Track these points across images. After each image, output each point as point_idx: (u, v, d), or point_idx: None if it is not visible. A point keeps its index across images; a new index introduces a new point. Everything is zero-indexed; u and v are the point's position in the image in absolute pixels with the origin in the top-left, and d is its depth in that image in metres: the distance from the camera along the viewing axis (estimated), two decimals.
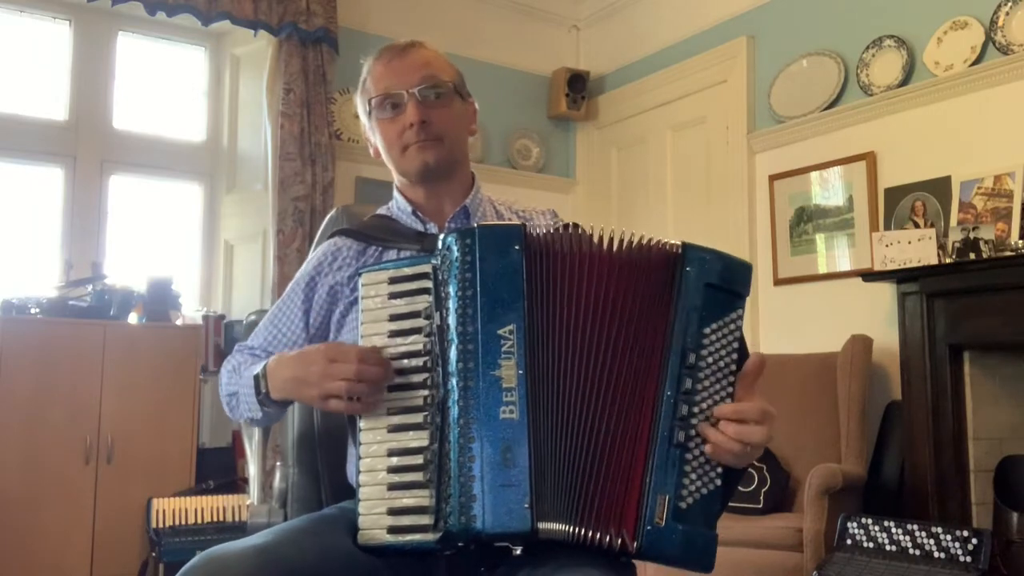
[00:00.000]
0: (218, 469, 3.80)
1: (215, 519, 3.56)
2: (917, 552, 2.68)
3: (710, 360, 1.12)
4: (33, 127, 4.04)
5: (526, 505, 1.06)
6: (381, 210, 1.54)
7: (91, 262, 3.93)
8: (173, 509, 3.52)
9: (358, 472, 1.17)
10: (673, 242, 1.15)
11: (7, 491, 3.31)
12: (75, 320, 3.59)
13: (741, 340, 1.14)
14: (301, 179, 4.08)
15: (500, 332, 1.10)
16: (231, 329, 4.09)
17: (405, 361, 1.17)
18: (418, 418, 1.15)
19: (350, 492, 1.43)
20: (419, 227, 1.45)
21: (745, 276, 1.15)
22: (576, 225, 1.45)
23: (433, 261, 1.17)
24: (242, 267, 4.40)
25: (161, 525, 3.47)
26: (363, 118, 1.51)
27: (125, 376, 3.58)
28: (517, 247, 1.12)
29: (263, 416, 1.38)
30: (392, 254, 1.43)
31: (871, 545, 2.76)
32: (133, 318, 3.75)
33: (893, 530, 2.75)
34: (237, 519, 3.56)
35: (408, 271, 1.20)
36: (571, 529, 1.08)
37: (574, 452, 1.10)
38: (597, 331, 1.12)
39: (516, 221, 1.49)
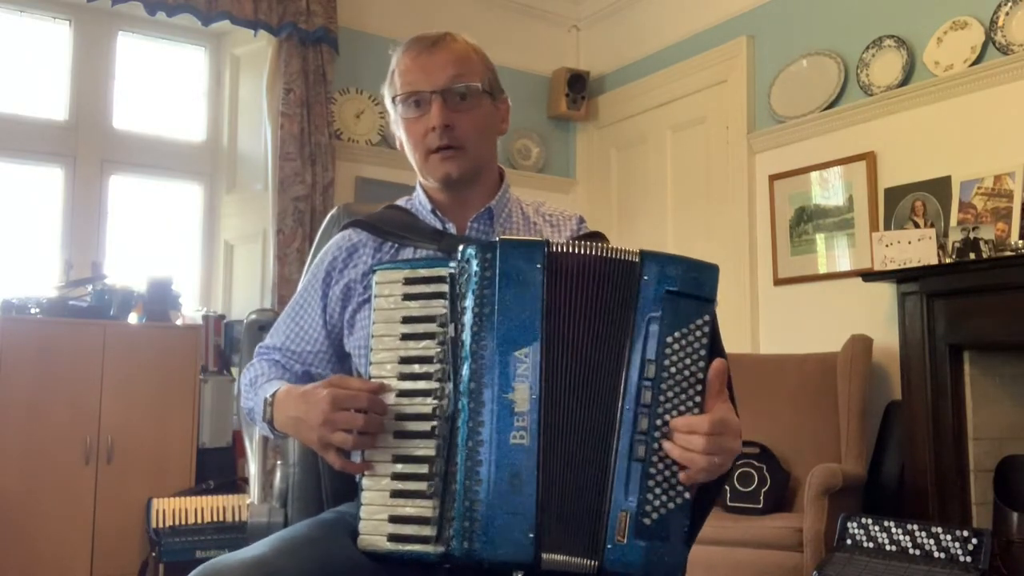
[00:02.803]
0: (218, 469, 3.80)
1: (215, 519, 3.55)
2: (917, 552, 2.68)
3: (672, 371, 1.08)
4: (33, 127, 4.04)
5: (531, 534, 1.05)
6: (400, 201, 1.49)
7: (91, 262, 3.93)
8: (173, 509, 3.52)
9: (361, 475, 1.15)
10: (631, 250, 1.12)
11: (7, 491, 3.31)
12: (75, 320, 3.59)
13: (711, 347, 1.10)
14: (301, 179, 4.08)
15: (516, 354, 1.07)
16: (231, 329, 4.09)
17: (416, 366, 1.14)
18: (426, 426, 1.12)
19: (351, 492, 1.42)
20: (438, 225, 1.41)
21: (710, 280, 1.11)
22: (600, 234, 1.43)
23: (451, 266, 1.14)
24: (242, 267, 4.40)
25: (161, 525, 3.47)
26: (389, 109, 1.46)
27: (125, 376, 3.58)
28: (539, 265, 1.09)
29: (275, 438, 1.36)
30: (408, 252, 1.39)
31: (871, 545, 2.76)
32: (133, 318, 3.75)
33: (893, 530, 2.75)
34: (237, 519, 3.56)
35: (424, 273, 1.17)
36: (574, 560, 1.07)
37: (577, 478, 1.08)
38: (592, 350, 1.10)
39: (542, 225, 1.46)
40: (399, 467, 1.12)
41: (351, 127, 4.38)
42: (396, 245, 1.40)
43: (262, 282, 4.21)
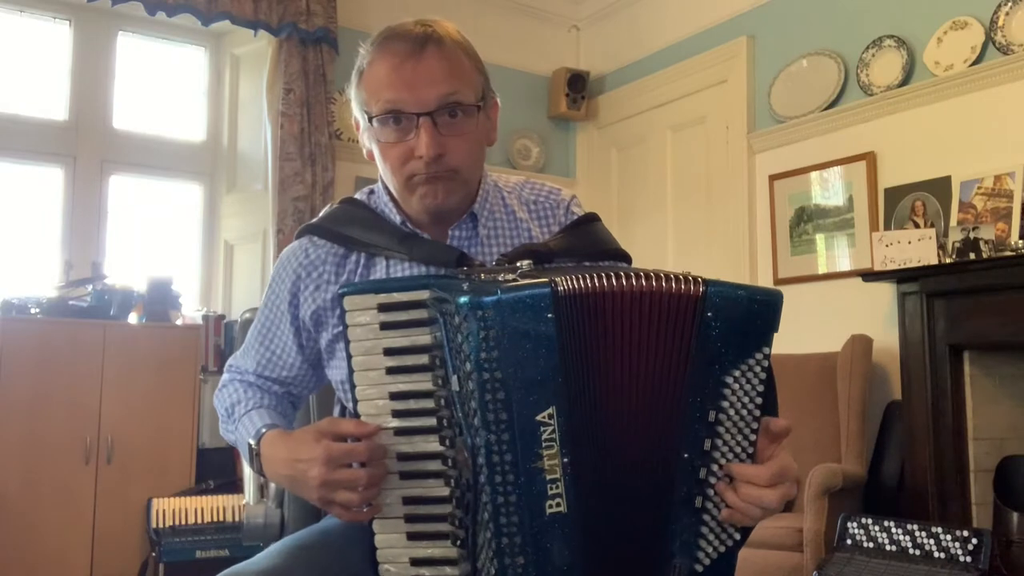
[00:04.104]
0: (218, 469, 3.80)
1: (215, 519, 3.55)
2: (917, 552, 2.68)
3: (731, 412, 1.00)
4: (33, 127, 4.04)
5: None
6: (360, 195, 1.33)
7: (91, 262, 3.93)
8: (173, 509, 3.52)
9: (371, 519, 1.07)
10: (693, 279, 0.99)
11: (7, 491, 3.31)
12: (75, 320, 3.59)
13: (767, 379, 1.01)
14: (301, 179, 4.08)
15: (538, 418, 0.95)
16: (231, 329, 4.10)
17: (411, 402, 1.04)
18: (434, 466, 1.04)
19: None
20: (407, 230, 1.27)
21: (774, 311, 0.99)
22: (592, 217, 1.34)
23: (431, 286, 1.02)
24: (242, 267, 4.40)
25: (161, 525, 3.47)
26: (356, 114, 1.26)
27: (125, 376, 3.58)
28: (549, 315, 0.95)
29: None
30: (380, 263, 1.25)
31: (871, 545, 2.76)
32: (133, 318, 3.75)
33: (893, 530, 2.75)
34: (237, 519, 3.56)
35: (400, 298, 1.04)
36: None
37: (625, 536, 1.02)
38: (629, 392, 0.99)
39: (528, 221, 1.32)
40: (411, 508, 1.05)
41: (351, 127, 4.36)
42: (362, 255, 1.25)
43: (262, 282, 4.20)
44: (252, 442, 1.18)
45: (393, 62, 1.17)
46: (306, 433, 1.08)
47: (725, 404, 0.99)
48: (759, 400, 1.00)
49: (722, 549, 1.04)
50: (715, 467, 1.01)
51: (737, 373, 0.99)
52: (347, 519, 1.07)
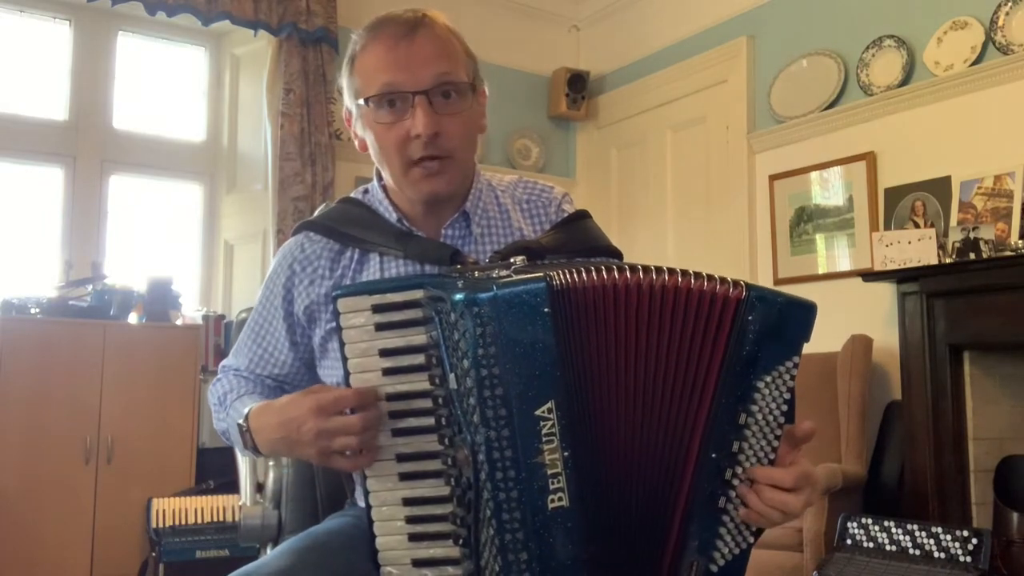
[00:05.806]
0: (218, 469, 3.79)
1: (215, 519, 3.55)
2: (917, 552, 2.68)
3: (759, 417, 1.00)
4: (33, 127, 4.04)
5: None
6: (356, 194, 1.34)
7: (91, 262, 3.93)
8: (173, 509, 3.52)
9: (371, 521, 1.06)
10: (733, 281, 0.99)
11: (7, 491, 3.31)
12: (75, 320, 3.59)
13: (792, 388, 1.02)
14: (301, 179, 4.08)
15: (538, 413, 0.95)
16: (231, 329, 4.10)
17: (410, 402, 1.04)
18: (434, 465, 1.04)
19: (346, 492, 1.42)
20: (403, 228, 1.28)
21: (809, 320, 1.01)
22: (586, 213, 1.35)
23: (425, 286, 1.02)
24: (242, 267, 4.40)
25: (161, 525, 3.47)
26: (347, 102, 1.27)
27: (125, 376, 3.58)
28: (546, 310, 0.95)
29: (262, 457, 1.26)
30: (374, 259, 1.25)
31: (871, 545, 2.76)
32: (133, 318, 3.75)
33: (893, 530, 2.74)
34: (237, 519, 3.55)
35: (395, 298, 1.04)
36: None
37: (635, 532, 1.02)
38: (638, 387, 1.00)
39: (520, 221, 1.32)
40: (411, 510, 1.05)
41: None
42: (356, 252, 1.26)
43: (262, 282, 4.19)
44: (242, 421, 1.17)
45: (387, 44, 1.18)
46: (293, 396, 1.10)
47: (754, 408, 1.00)
48: (785, 408, 1.01)
49: (737, 551, 1.04)
50: (739, 469, 1.02)
51: (768, 379, 1.00)
52: (350, 467, 1.08)
